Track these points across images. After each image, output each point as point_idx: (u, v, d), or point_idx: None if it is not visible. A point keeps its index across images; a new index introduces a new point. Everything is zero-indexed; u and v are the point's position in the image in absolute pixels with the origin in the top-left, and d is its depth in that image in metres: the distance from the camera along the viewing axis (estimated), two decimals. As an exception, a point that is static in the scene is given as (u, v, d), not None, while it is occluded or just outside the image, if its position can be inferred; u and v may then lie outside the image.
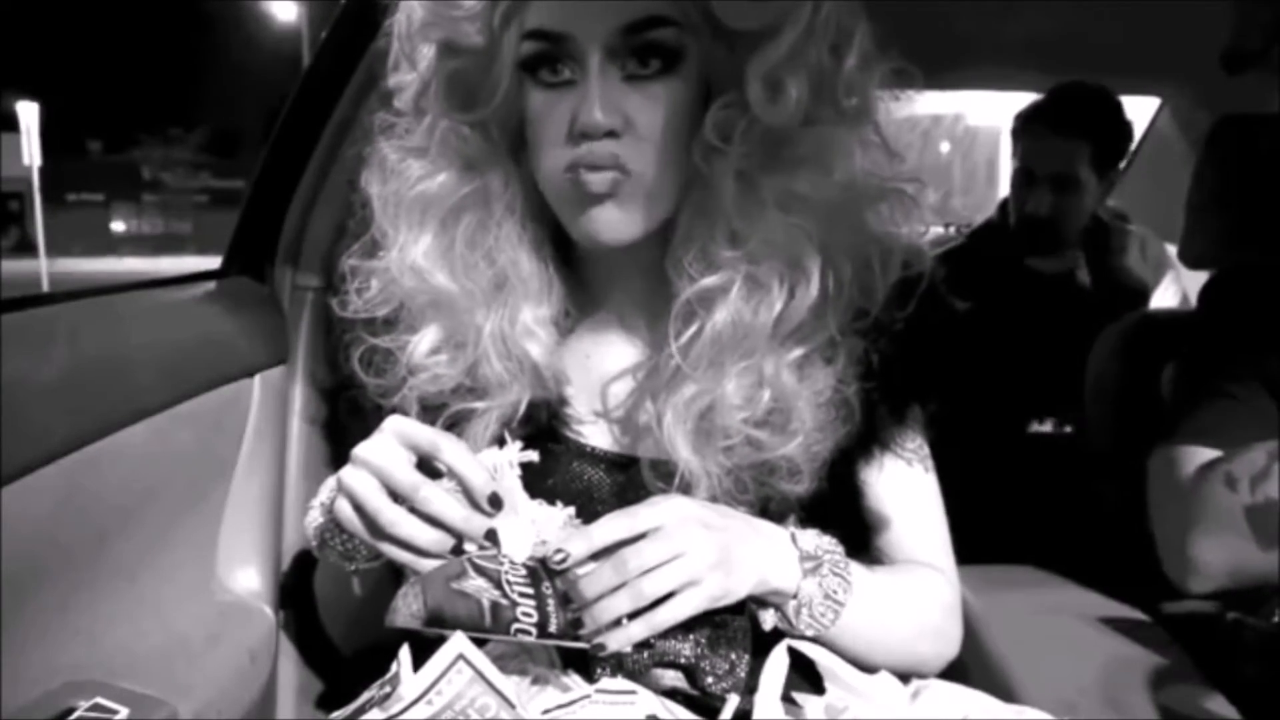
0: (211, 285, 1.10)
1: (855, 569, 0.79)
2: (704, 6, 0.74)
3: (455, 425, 0.83)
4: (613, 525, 0.70)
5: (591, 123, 0.73)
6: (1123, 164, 1.93)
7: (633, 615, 0.68)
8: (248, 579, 1.00)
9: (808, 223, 0.76)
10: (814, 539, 0.78)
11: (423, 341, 0.83)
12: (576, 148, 0.75)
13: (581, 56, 0.75)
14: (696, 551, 0.70)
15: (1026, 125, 1.86)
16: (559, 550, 0.68)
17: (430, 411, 0.83)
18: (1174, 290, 2.03)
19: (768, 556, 0.75)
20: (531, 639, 0.68)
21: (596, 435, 0.86)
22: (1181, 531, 1.12)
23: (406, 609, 0.67)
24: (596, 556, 0.69)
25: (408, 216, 0.82)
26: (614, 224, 0.77)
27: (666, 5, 0.74)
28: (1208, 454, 1.13)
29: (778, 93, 0.74)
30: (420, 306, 0.83)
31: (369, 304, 0.85)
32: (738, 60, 0.75)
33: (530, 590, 0.68)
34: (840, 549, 0.79)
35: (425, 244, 0.81)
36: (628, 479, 0.83)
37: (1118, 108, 1.85)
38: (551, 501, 0.75)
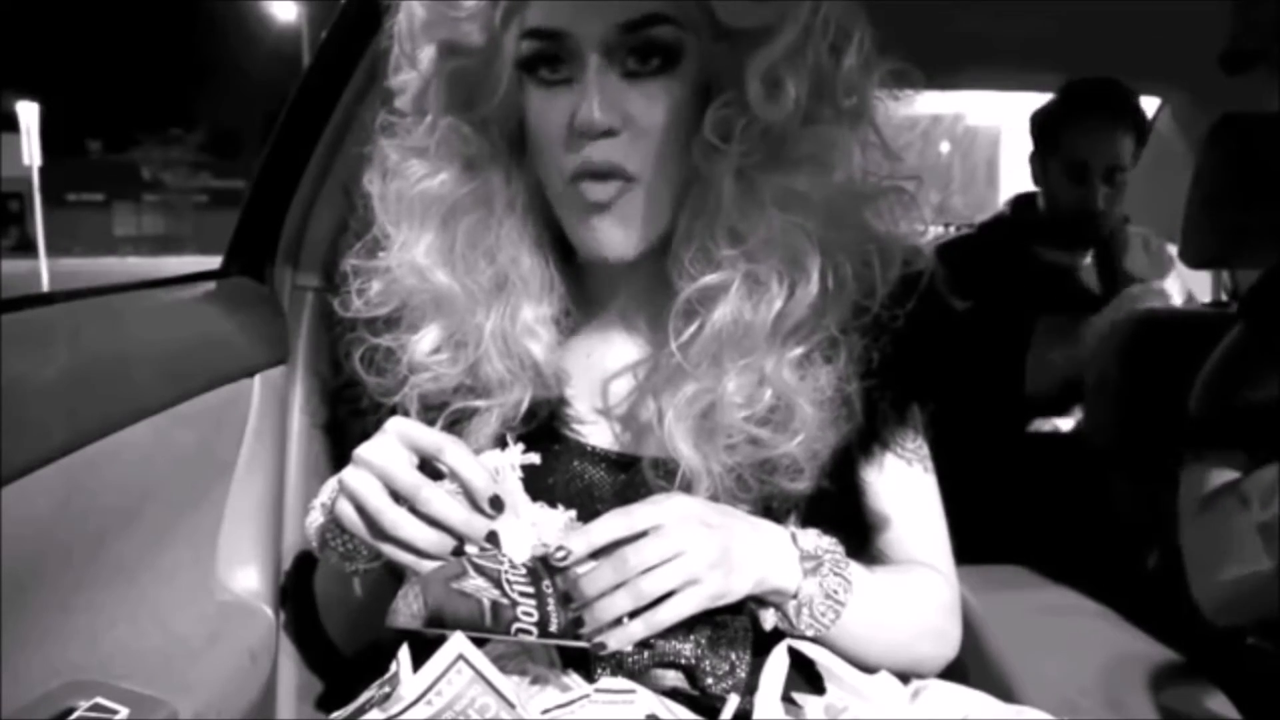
0: (211, 285, 1.10)
1: (855, 569, 0.79)
2: (703, 5, 0.74)
3: (456, 424, 0.83)
4: (612, 523, 0.70)
5: (589, 121, 0.73)
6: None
7: (633, 614, 0.69)
8: (248, 579, 1.00)
9: (807, 221, 0.76)
10: (814, 539, 0.78)
11: (424, 340, 0.83)
12: (577, 151, 0.75)
13: (580, 55, 0.75)
14: (697, 550, 0.70)
15: (1078, 116, 1.84)
16: (560, 547, 0.68)
17: (431, 410, 0.83)
18: (1178, 286, 2.03)
19: (768, 556, 0.75)
20: (532, 639, 0.68)
21: (597, 435, 0.86)
22: (1204, 558, 1.10)
23: (407, 609, 0.67)
24: (597, 555, 0.69)
25: (409, 215, 0.82)
26: (616, 241, 0.78)
27: (665, 4, 0.74)
28: (1230, 476, 1.10)
29: (777, 91, 0.74)
30: (421, 305, 0.83)
31: (370, 303, 0.85)
32: (737, 59, 0.75)
33: (530, 590, 0.68)
34: (840, 549, 0.79)
35: (426, 242, 0.81)
36: (628, 478, 0.83)
37: (1138, 100, 1.86)
38: (552, 502, 0.75)
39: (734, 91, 0.75)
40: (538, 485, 0.77)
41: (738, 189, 0.76)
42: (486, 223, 0.82)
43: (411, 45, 0.81)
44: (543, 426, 0.84)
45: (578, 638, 0.68)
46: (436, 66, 0.81)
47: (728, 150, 0.75)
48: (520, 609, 0.67)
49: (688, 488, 0.78)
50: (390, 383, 0.84)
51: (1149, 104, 2.15)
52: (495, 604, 0.66)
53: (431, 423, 0.81)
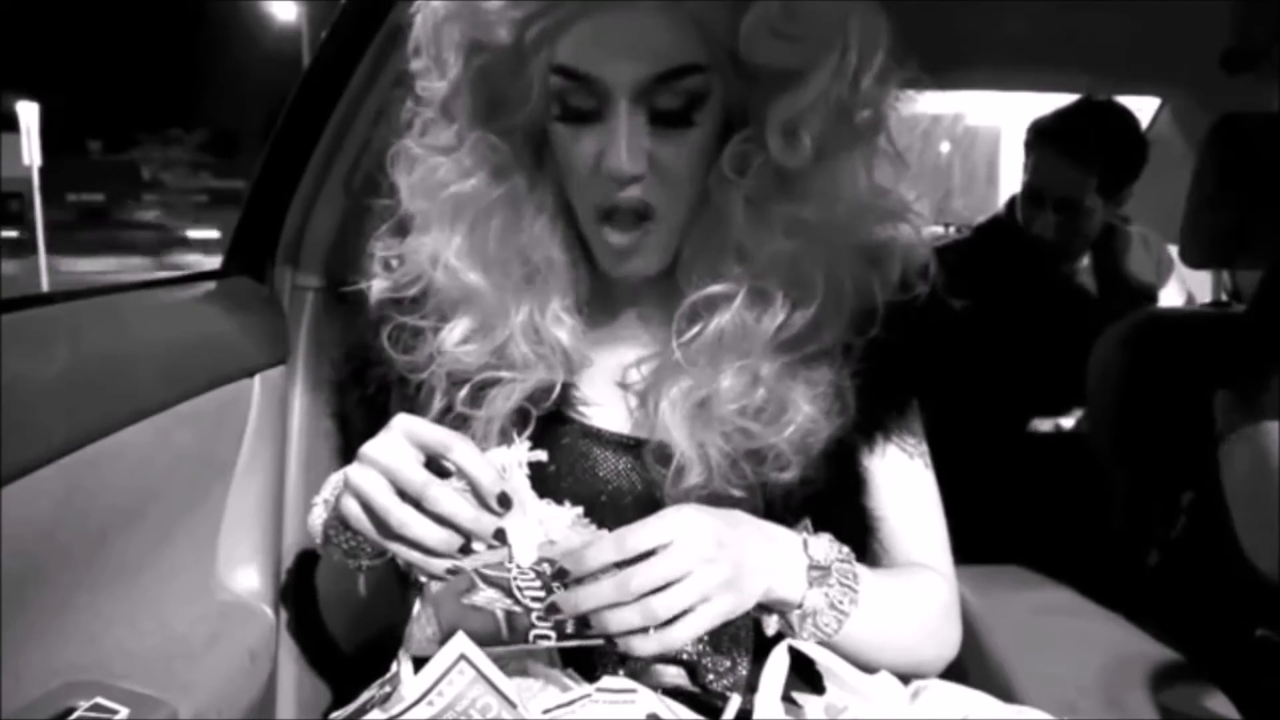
0: (211, 285, 1.10)
1: (863, 577, 0.78)
2: (729, 47, 0.75)
3: (481, 390, 0.84)
4: (610, 546, 0.68)
5: (618, 169, 0.75)
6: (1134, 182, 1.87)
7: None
8: (248, 579, 1.00)
9: (814, 245, 0.78)
10: (825, 547, 0.77)
11: (454, 331, 0.84)
12: (603, 189, 0.77)
13: (610, 97, 0.75)
14: (707, 570, 0.69)
15: (1038, 144, 1.84)
16: (551, 590, 0.68)
17: (457, 385, 0.84)
18: (1179, 289, 2.03)
19: (777, 567, 0.75)
20: (552, 643, 0.67)
21: (603, 420, 0.87)
22: (1264, 510, 1.06)
23: (421, 634, 0.67)
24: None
25: (439, 217, 0.83)
26: (635, 269, 0.82)
27: (694, 50, 0.74)
28: None
29: (795, 140, 0.76)
30: (452, 300, 0.84)
31: (398, 285, 0.86)
32: (760, 100, 0.76)
33: (542, 594, 0.67)
34: (852, 557, 0.78)
35: (457, 244, 0.82)
36: (631, 464, 0.84)
37: (1131, 130, 1.83)
38: (559, 499, 0.75)
39: (754, 128, 0.77)
40: (544, 482, 0.77)
41: (747, 215, 0.77)
42: (516, 225, 0.83)
43: (437, 49, 0.81)
44: (553, 415, 0.85)
45: (594, 636, 0.68)
46: (464, 68, 0.80)
47: (741, 182, 0.77)
48: (535, 614, 0.66)
49: (682, 472, 0.79)
50: (418, 359, 0.85)
51: (1148, 104, 2.15)
52: (509, 614, 0.66)
53: (457, 394, 0.83)
